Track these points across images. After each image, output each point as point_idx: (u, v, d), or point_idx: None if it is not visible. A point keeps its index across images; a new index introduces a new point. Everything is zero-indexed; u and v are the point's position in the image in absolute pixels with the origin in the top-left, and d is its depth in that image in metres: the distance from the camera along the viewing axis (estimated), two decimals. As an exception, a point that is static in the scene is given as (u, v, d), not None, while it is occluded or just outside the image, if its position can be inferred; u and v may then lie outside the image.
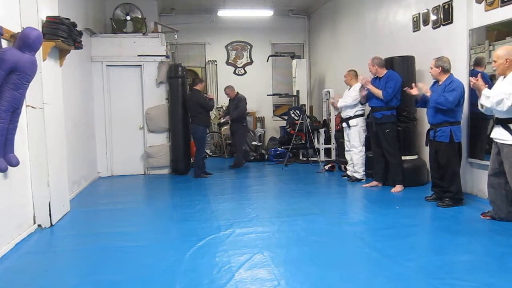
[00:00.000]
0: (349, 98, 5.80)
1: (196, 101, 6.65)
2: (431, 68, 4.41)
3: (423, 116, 5.53)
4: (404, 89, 4.81)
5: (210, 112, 7.10)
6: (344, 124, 6.00)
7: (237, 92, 7.74)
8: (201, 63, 10.22)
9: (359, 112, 5.80)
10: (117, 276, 2.79)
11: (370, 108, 5.55)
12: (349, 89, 6.01)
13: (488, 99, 3.53)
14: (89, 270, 2.94)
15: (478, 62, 4.65)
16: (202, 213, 4.38)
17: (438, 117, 4.32)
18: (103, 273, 2.86)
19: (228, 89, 7.77)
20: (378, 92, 5.19)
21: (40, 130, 3.79)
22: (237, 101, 7.56)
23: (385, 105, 5.20)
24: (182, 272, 2.80)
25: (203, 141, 6.80)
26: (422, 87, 4.51)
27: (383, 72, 5.30)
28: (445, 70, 4.33)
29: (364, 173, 5.87)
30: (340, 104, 5.92)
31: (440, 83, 4.38)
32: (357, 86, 5.84)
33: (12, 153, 3.21)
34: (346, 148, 6.10)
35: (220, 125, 8.72)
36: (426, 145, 4.61)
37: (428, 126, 4.59)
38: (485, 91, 3.59)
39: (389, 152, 5.27)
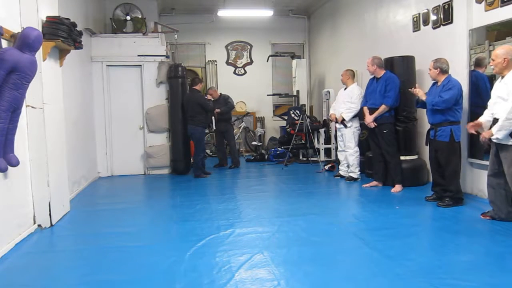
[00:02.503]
0: (353, 105, 5.77)
1: (195, 101, 6.61)
2: (430, 69, 4.43)
3: (423, 116, 5.53)
4: (409, 90, 4.78)
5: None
6: (338, 125, 6.03)
7: (220, 93, 7.77)
8: (201, 63, 10.22)
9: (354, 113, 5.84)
10: (117, 276, 2.79)
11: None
12: (345, 89, 6.03)
13: (504, 128, 3.48)
14: (89, 270, 2.93)
15: (478, 63, 4.65)
16: (202, 213, 4.38)
17: (437, 117, 4.34)
18: (103, 273, 2.86)
19: (212, 90, 7.78)
20: (382, 110, 5.20)
21: (40, 130, 3.79)
22: (224, 99, 7.57)
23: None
24: (182, 272, 2.80)
25: (202, 141, 6.76)
26: (418, 92, 4.51)
27: (381, 72, 5.30)
28: (444, 71, 4.35)
29: (359, 172, 5.91)
30: (347, 116, 5.82)
31: (438, 83, 4.39)
32: (355, 88, 5.86)
33: (12, 153, 3.21)
34: (340, 148, 6.16)
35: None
36: (426, 144, 4.62)
37: (428, 126, 4.59)
38: (494, 130, 3.54)
39: (387, 152, 5.27)
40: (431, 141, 4.49)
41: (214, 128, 7.45)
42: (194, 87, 6.75)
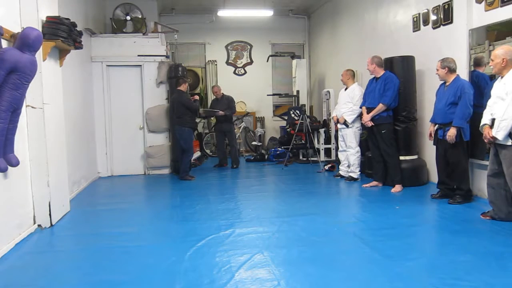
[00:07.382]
0: (355, 106, 5.76)
1: (180, 102, 6.46)
2: (437, 69, 4.43)
3: (423, 116, 5.54)
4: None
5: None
6: (340, 125, 6.03)
7: (223, 94, 7.81)
8: (201, 63, 10.22)
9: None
10: (117, 276, 2.79)
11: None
12: (345, 89, 6.03)
13: (502, 128, 3.48)
14: (89, 270, 2.93)
15: (477, 62, 4.66)
16: (202, 213, 4.38)
17: (448, 117, 4.35)
18: (103, 273, 2.86)
19: (216, 88, 7.90)
20: (379, 109, 5.20)
21: (40, 130, 3.78)
22: (228, 101, 7.66)
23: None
24: (182, 272, 2.80)
25: (190, 142, 6.61)
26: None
27: (380, 72, 5.30)
28: (452, 70, 4.37)
29: (359, 173, 5.92)
30: (349, 118, 5.82)
31: (447, 84, 4.40)
32: (356, 89, 5.86)
33: (12, 153, 3.21)
34: (341, 148, 6.18)
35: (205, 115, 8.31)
36: (434, 144, 4.62)
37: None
38: (494, 131, 3.55)
39: (386, 153, 5.28)
40: (439, 141, 4.50)
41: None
42: (178, 88, 6.61)
